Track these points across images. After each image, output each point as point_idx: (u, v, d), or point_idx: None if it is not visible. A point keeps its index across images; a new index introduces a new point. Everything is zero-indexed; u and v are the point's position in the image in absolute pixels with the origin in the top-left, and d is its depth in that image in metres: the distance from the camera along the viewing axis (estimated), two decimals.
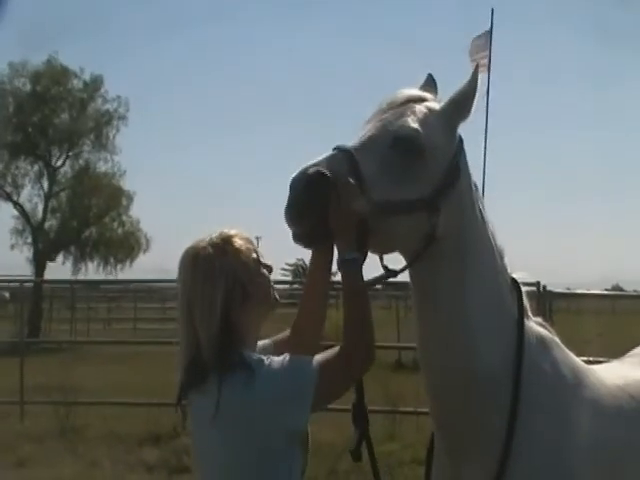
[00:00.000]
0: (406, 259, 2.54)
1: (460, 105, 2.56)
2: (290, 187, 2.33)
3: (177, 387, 2.43)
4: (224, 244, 2.46)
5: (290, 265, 66.61)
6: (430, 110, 2.56)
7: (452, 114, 2.57)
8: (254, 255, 2.49)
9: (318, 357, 2.36)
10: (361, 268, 2.42)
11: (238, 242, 2.48)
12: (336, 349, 2.36)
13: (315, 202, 2.31)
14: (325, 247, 2.45)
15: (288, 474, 2.33)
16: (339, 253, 2.40)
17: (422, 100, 2.60)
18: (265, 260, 2.54)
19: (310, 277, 2.62)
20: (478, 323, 2.52)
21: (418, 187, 2.43)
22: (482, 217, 2.63)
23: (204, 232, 2.53)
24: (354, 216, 2.34)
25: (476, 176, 2.68)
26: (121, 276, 32.01)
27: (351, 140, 2.49)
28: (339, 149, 2.41)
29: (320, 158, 2.38)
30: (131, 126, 32.98)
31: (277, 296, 2.57)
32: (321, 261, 2.52)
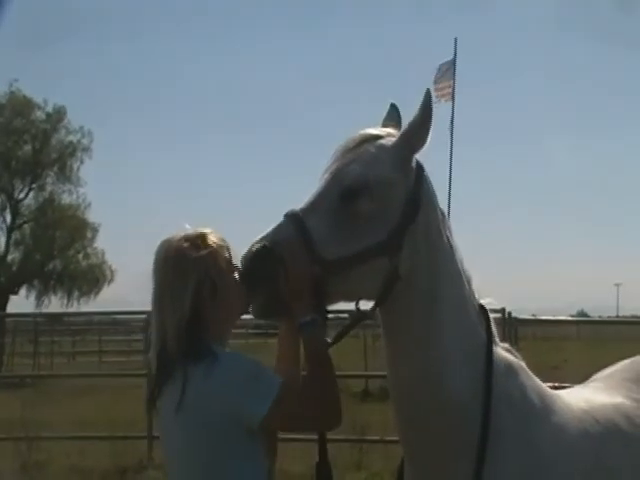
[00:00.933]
0: (373, 301, 2.53)
1: (412, 138, 2.51)
2: (240, 264, 2.44)
3: (150, 382, 2.54)
4: (198, 239, 2.53)
5: None
6: (381, 148, 2.52)
7: (404, 148, 2.52)
8: (226, 255, 2.54)
9: (288, 382, 2.45)
10: (321, 329, 2.45)
11: (212, 239, 2.54)
12: (304, 390, 2.45)
13: (262, 276, 2.37)
14: (286, 316, 2.49)
15: (250, 473, 2.42)
16: (296, 318, 2.44)
17: (376, 138, 2.56)
18: (238, 263, 2.56)
19: (279, 343, 2.69)
20: (449, 353, 2.51)
21: (373, 232, 2.41)
22: (450, 245, 2.60)
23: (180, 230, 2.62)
24: (305, 282, 2.36)
25: (442, 202, 2.68)
26: (85, 309, 31.68)
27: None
28: (288, 216, 2.43)
29: (269, 229, 2.42)
30: (96, 157, 32.77)
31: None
32: (286, 328, 2.61)
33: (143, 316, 10.98)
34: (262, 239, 2.39)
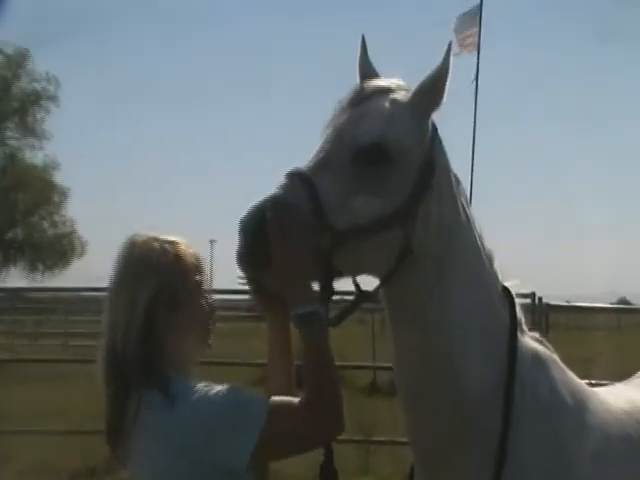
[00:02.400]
0: (378, 279, 2.54)
1: (430, 92, 2.53)
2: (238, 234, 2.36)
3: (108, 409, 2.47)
4: (168, 244, 2.52)
5: None
6: (395, 103, 2.53)
7: (422, 104, 2.54)
8: (197, 277, 2.53)
9: (277, 401, 2.38)
10: (322, 320, 2.38)
11: (184, 250, 2.54)
12: (298, 401, 2.37)
13: (257, 250, 2.32)
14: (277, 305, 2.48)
15: None
16: (290, 307, 2.37)
17: (388, 91, 2.57)
18: (209, 291, 2.58)
19: (270, 343, 2.70)
20: (463, 340, 2.53)
21: (389, 199, 2.42)
22: (466, 215, 2.62)
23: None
24: (306, 258, 2.33)
25: (463, 171, 2.71)
26: (51, 284, 31.46)
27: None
28: (294, 175, 2.39)
29: (275, 189, 2.37)
30: (67, 111, 32.53)
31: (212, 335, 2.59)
32: (279, 319, 2.59)
33: None
34: (263, 202, 2.34)
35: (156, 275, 2.44)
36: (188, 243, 2.58)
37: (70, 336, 28.70)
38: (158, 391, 2.34)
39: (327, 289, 2.44)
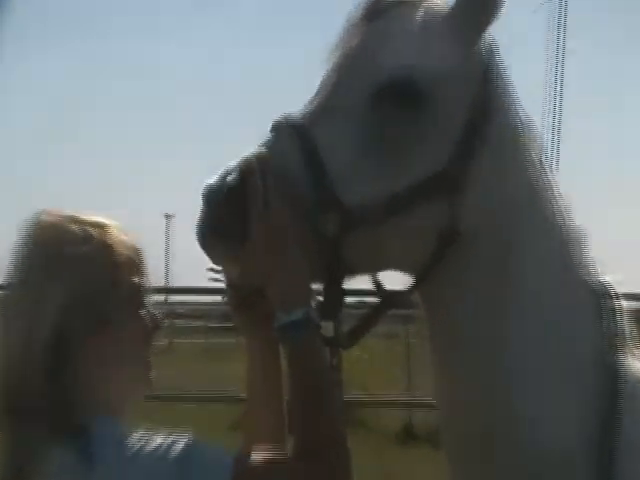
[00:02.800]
0: (411, 275, 2.12)
1: (479, 3, 2.05)
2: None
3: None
4: (93, 229, 1.90)
5: None
6: (430, 16, 2.08)
7: (469, 14, 2.07)
8: (134, 277, 1.93)
9: (247, 463, 1.80)
10: (317, 334, 1.89)
11: (116, 237, 1.92)
12: (282, 459, 1.84)
13: (227, 222, 1.92)
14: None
15: None
16: (276, 312, 1.88)
17: (417, 1, 2.11)
18: (151, 295, 2.00)
19: (249, 366, 2.19)
20: (536, 367, 2.09)
21: (423, 160, 2.00)
22: (540, 178, 2.14)
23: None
24: (300, 241, 1.89)
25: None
26: None
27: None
28: (281, 126, 2.00)
29: (257, 146, 1.97)
30: None
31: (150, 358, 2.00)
32: (260, 340, 2.11)
33: None
34: (239, 164, 1.91)
35: (71, 276, 1.83)
36: (121, 227, 1.96)
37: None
38: (71, 448, 1.76)
39: (333, 291, 2.00)
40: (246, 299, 2.03)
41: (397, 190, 1.96)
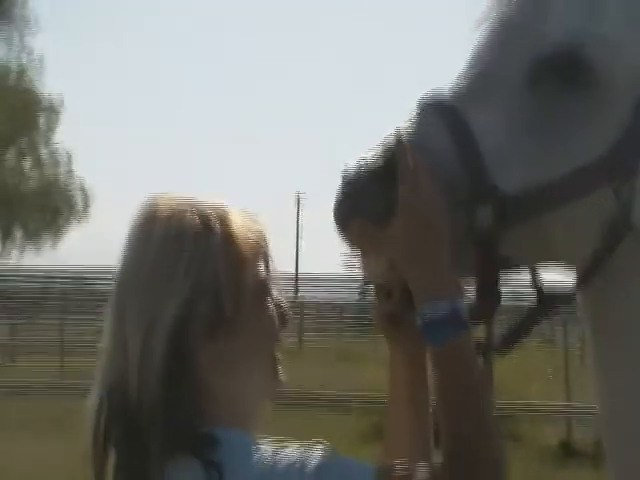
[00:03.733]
0: (575, 272, 1.97)
1: None
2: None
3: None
4: (214, 217, 1.74)
5: None
6: None
7: None
8: (259, 271, 1.78)
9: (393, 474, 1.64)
10: (466, 331, 1.70)
11: (239, 225, 1.76)
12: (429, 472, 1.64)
13: (369, 217, 1.76)
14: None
15: None
16: (417, 305, 1.71)
17: None
18: (280, 290, 1.84)
19: (391, 374, 1.99)
20: None
21: (588, 143, 1.85)
22: None
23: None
24: (448, 229, 1.72)
25: None
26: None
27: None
28: (430, 105, 1.85)
29: (400, 127, 1.81)
30: None
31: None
32: (405, 345, 1.90)
33: None
34: (382, 146, 1.77)
35: (195, 273, 1.70)
36: (245, 211, 1.80)
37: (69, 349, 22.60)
38: (195, 462, 1.63)
39: (488, 289, 1.83)
40: (394, 314, 1.85)
41: (557, 179, 1.82)
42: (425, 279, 1.69)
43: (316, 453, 1.65)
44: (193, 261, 1.69)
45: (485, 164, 1.79)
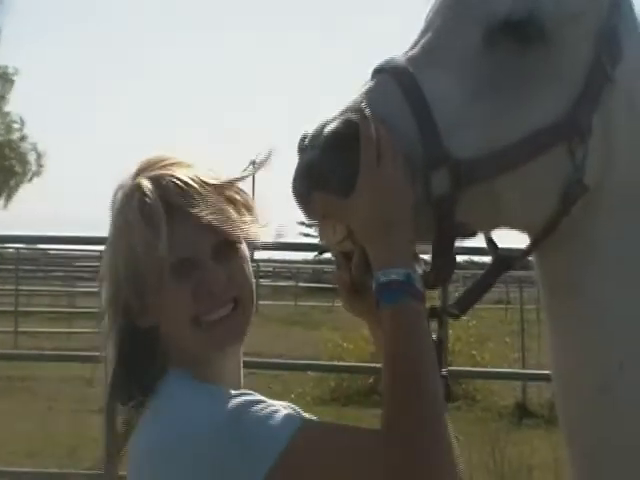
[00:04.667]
0: (529, 235, 2.01)
1: None
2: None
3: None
4: (150, 180, 1.88)
5: None
6: None
7: None
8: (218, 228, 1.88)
9: (319, 425, 1.82)
10: (421, 296, 1.76)
11: (207, 179, 1.90)
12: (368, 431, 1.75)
13: (327, 186, 1.77)
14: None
15: None
16: (375, 269, 1.76)
17: None
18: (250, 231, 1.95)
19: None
20: None
21: (543, 106, 1.88)
22: None
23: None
24: (408, 196, 1.77)
25: None
26: None
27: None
28: (385, 70, 1.86)
29: (356, 94, 1.84)
30: None
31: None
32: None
33: None
34: (341, 115, 1.77)
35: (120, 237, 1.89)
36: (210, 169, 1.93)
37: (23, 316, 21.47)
38: (151, 401, 1.85)
39: (444, 255, 1.85)
40: (355, 284, 1.89)
41: (513, 140, 1.83)
42: (383, 247, 1.72)
43: (244, 394, 1.75)
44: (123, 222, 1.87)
45: (438, 129, 1.78)
